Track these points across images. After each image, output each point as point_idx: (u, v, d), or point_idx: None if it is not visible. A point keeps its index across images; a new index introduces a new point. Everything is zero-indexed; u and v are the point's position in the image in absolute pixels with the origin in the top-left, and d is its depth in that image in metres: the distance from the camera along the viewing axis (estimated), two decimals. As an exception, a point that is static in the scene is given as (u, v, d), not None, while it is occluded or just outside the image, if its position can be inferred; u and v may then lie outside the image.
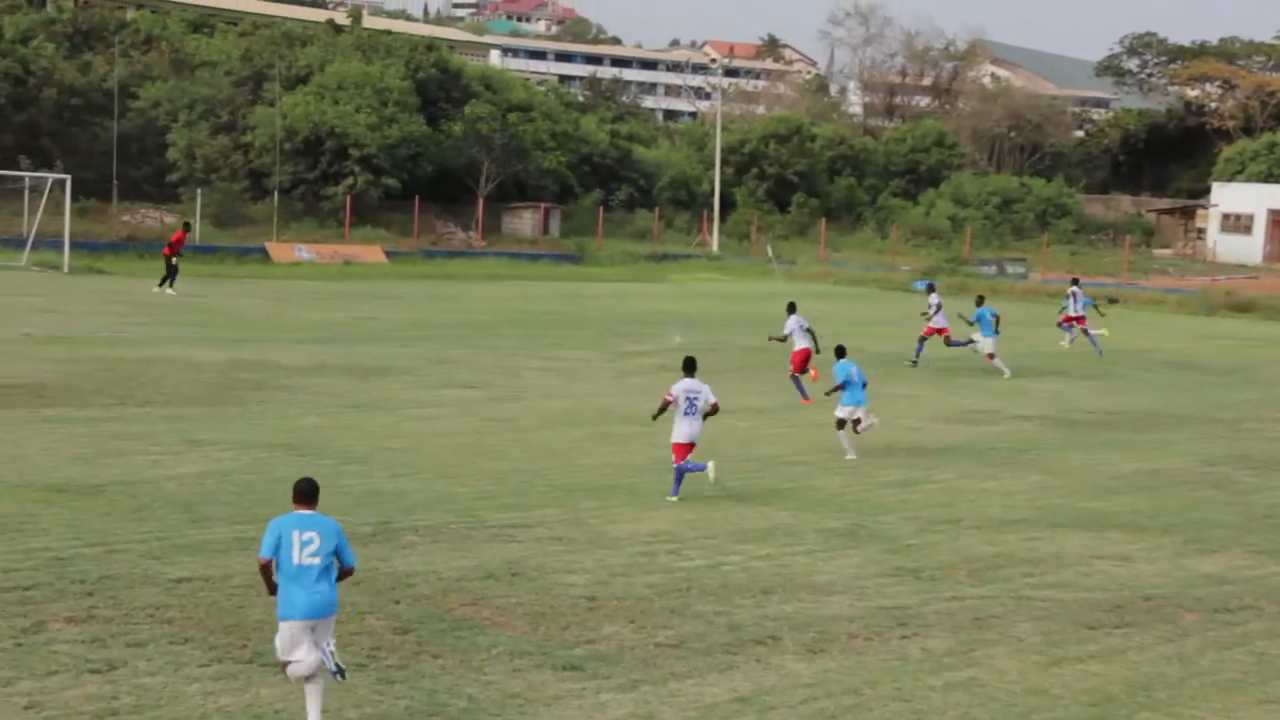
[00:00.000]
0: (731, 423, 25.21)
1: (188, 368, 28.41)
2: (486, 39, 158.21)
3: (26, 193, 57.74)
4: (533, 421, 24.44)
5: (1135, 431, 26.72)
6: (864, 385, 22.86)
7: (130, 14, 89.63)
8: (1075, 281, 42.80)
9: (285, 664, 10.24)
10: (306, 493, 10.63)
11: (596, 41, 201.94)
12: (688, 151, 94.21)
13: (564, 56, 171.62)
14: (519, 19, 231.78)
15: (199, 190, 65.45)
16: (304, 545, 10.25)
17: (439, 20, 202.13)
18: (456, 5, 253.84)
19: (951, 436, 25.16)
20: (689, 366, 19.40)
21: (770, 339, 31.63)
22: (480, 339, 36.75)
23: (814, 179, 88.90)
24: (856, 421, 22.68)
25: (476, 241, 73.54)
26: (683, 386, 18.99)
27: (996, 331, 35.04)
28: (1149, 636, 13.64)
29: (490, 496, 18.24)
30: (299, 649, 10.15)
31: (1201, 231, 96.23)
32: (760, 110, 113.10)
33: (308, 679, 10.23)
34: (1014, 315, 53.36)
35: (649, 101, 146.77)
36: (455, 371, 30.35)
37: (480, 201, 75.11)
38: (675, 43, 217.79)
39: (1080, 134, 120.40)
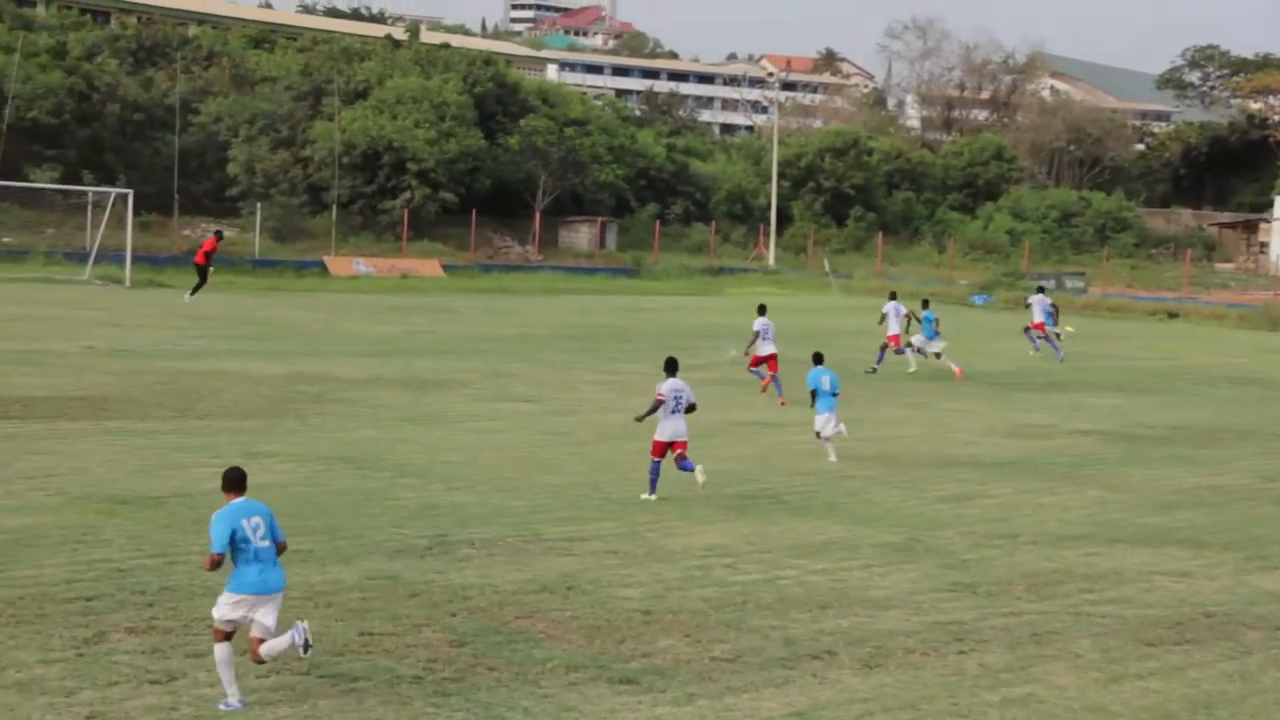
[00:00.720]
0: (788, 437, 25.16)
1: (247, 381, 28.63)
2: (544, 53, 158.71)
3: (90, 207, 58.37)
4: (589, 435, 24.46)
5: (1196, 446, 26.48)
6: (834, 395, 23.01)
7: (192, 30, 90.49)
8: (1040, 289, 44.28)
9: (222, 629, 10.92)
10: (238, 480, 11.43)
11: (654, 55, 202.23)
12: (744, 165, 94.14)
13: (621, 71, 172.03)
14: (576, 33, 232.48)
15: (258, 204, 65.96)
16: (255, 530, 11.07)
17: (496, 35, 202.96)
18: (514, 20, 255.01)
19: (1008, 451, 25.01)
20: (671, 366, 19.91)
21: (745, 352, 32.19)
22: (536, 353, 36.84)
23: (871, 193, 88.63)
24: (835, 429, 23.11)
25: (533, 255, 73.74)
26: (670, 386, 19.45)
27: (936, 334, 36.07)
28: (1210, 654, 13.50)
29: (546, 510, 18.26)
30: (236, 614, 10.92)
31: (1264, 245, 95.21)
32: (817, 124, 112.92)
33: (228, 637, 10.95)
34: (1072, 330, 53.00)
35: (706, 115, 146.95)
36: (511, 385, 30.43)
37: (537, 215, 75.32)
38: (732, 56, 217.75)
39: (1141, 147, 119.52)
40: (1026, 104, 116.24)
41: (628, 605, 14.00)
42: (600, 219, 77.85)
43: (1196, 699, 12.23)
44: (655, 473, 19.37)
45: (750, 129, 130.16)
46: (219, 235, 50.38)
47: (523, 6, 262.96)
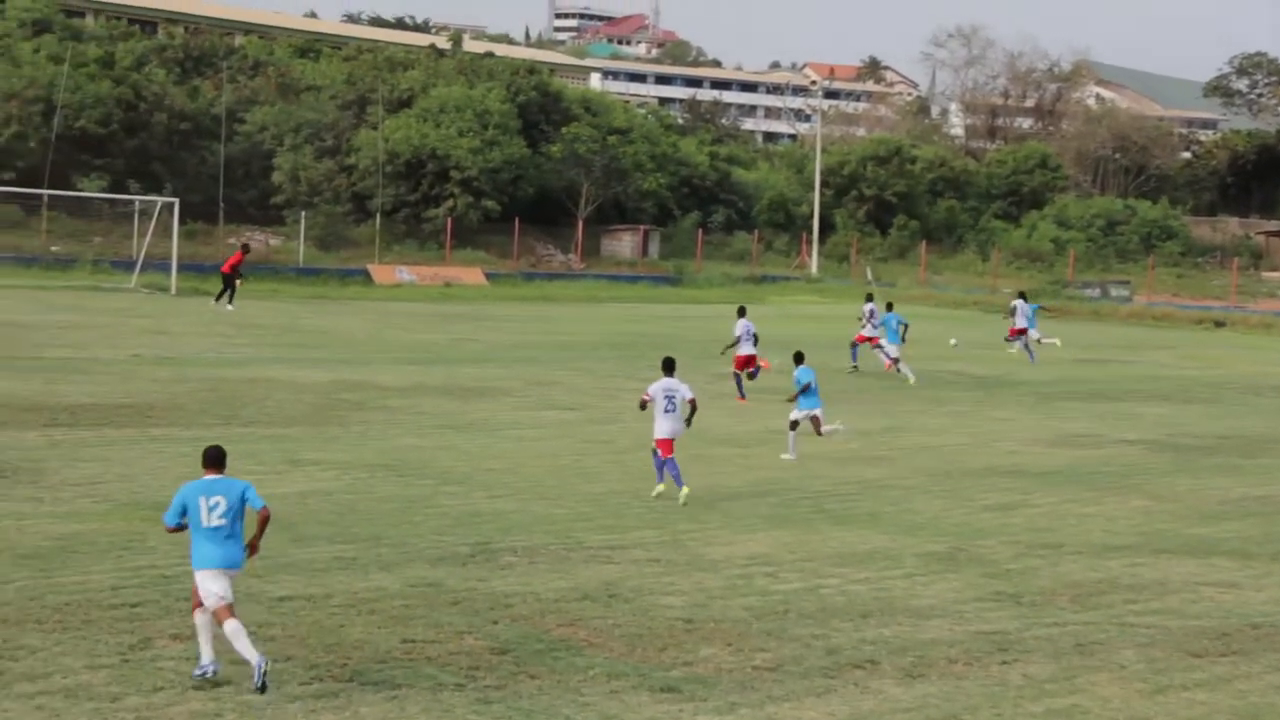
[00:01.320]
0: (832, 446, 25.10)
1: (290, 388, 28.77)
2: (587, 62, 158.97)
3: (136, 216, 58.80)
4: (630, 443, 24.45)
5: (1244, 456, 26.27)
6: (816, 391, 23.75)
7: (238, 39, 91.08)
8: (1022, 295, 44.56)
9: (219, 610, 11.35)
10: (215, 458, 11.84)
11: (696, 64, 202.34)
12: (787, 174, 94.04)
13: (664, 79, 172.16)
14: (619, 42, 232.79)
15: (303, 213, 66.31)
16: (211, 509, 11.45)
17: (540, 43, 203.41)
18: (558, 29, 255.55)
19: (1053, 460, 24.87)
20: (668, 366, 20.31)
21: (723, 352, 32.80)
22: (579, 361, 36.89)
23: (914, 201, 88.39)
24: (816, 422, 23.64)
25: (575, 264, 73.86)
26: (660, 386, 19.84)
27: (902, 340, 35.99)
28: (1257, 665, 13.38)
29: (588, 518, 18.28)
30: (215, 591, 11.35)
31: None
32: (860, 132, 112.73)
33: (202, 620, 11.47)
34: (1117, 339, 52.79)
35: (749, 124, 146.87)
36: (554, 393, 30.48)
37: (579, 224, 75.46)
38: (775, 65, 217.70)
39: (1187, 155, 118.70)
40: (1071, 112, 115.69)
41: (669, 614, 13.99)
42: (643, 227, 77.91)
43: (1243, 711, 12.13)
44: (659, 465, 19.72)
45: (793, 137, 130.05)
46: (245, 248, 51.18)
47: (566, 15, 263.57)
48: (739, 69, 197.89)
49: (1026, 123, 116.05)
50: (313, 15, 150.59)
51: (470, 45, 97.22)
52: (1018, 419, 30.02)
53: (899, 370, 35.29)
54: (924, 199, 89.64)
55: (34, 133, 65.23)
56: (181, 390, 27.69)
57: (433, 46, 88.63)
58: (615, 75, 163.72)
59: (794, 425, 23.63)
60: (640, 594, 14.64)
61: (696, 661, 12.57)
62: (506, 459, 22.30)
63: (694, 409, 19.86)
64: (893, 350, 35.77)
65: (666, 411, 19.64)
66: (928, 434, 27.24)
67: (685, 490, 19.35)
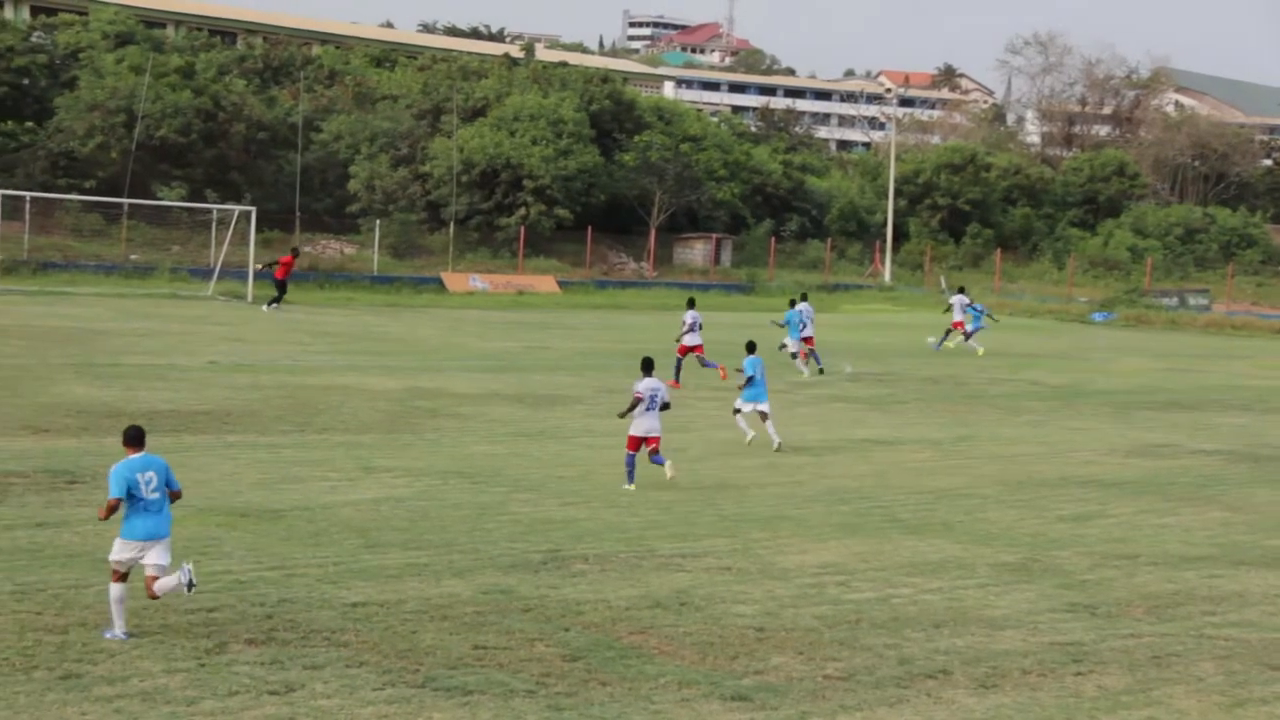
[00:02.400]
0: (906, 455, 24.99)
1: (365, 395, 28.97)
2: (660, 71, 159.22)
3: (214, 224, 59.45)
4: (701, 451, 24.46)
5: (1324, 468, 25.88)
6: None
7: (315, 49, 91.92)
8: (961, 290, 48.04)
9: (117, 570, 12.60)
10: (136, 437, 12.90)
11: (770, 72, 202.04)
12: (861, 182, 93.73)
13: (738, 87, 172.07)
14: (694, 50, 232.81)
15: (377, 221, 66.78)
16: (148, 484, 12.65)
17: (614, 52, 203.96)
18: (632, 38, 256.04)
19: (1129, 470, 24.62)
20: (648, 366, 21.20)
21: (677, 339, 34.80)
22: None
23: (989, 209, 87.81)
24: (764, 417, 24.84)
25: (648, 272, 73.92)
26: (646, 385, 20.80)
27: (796, 337, 37.19)
28: (1337, 680, 13.17)
29: (659, 526, 18.28)
30: (126, 557, 12.59)
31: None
32: (935, 140, 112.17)
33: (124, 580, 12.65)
34: (1195, 348, 52.19)
35: (822, 132, 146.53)
36: (625, 401, 30.47)
37: (652, 232, 75.50)
38: (850, 73, 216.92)
39: (1269, 163, 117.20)
40: (1150, 119, 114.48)
41: (740, 622, 13.97)
42: (715, 236, 77.86)
43: (1323, 725, 11.95)
44: (631, 465, 20.73)
45: (867, 145, 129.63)
46: (295, 253, 52.29)
47: (640, 24, 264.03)
48: (813, 77, 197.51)
49: (1104, 130, 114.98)
50: (388, 25, 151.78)
51: (544, 54, 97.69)
52: (1094, 429, 29.74)
53: (797, 364, 36.85)
54: (998, 207, 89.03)
55: (116, 143, 66.10)
56: (257, 397, 27.96)
57: (507, 55, 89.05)
58: (689, 84, 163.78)
59: (736, 412, 25.15)
60: (711, 602, 14.63)
61: (768, 670, 12.54)
62: (578, 466, 22.34)
63: (666, 408, 21.12)
64: (793, 345, 37.11)
65: (649, 410, 20.73)
66: (1002, 443, 27.05)
67: (670, 466, 20.72)
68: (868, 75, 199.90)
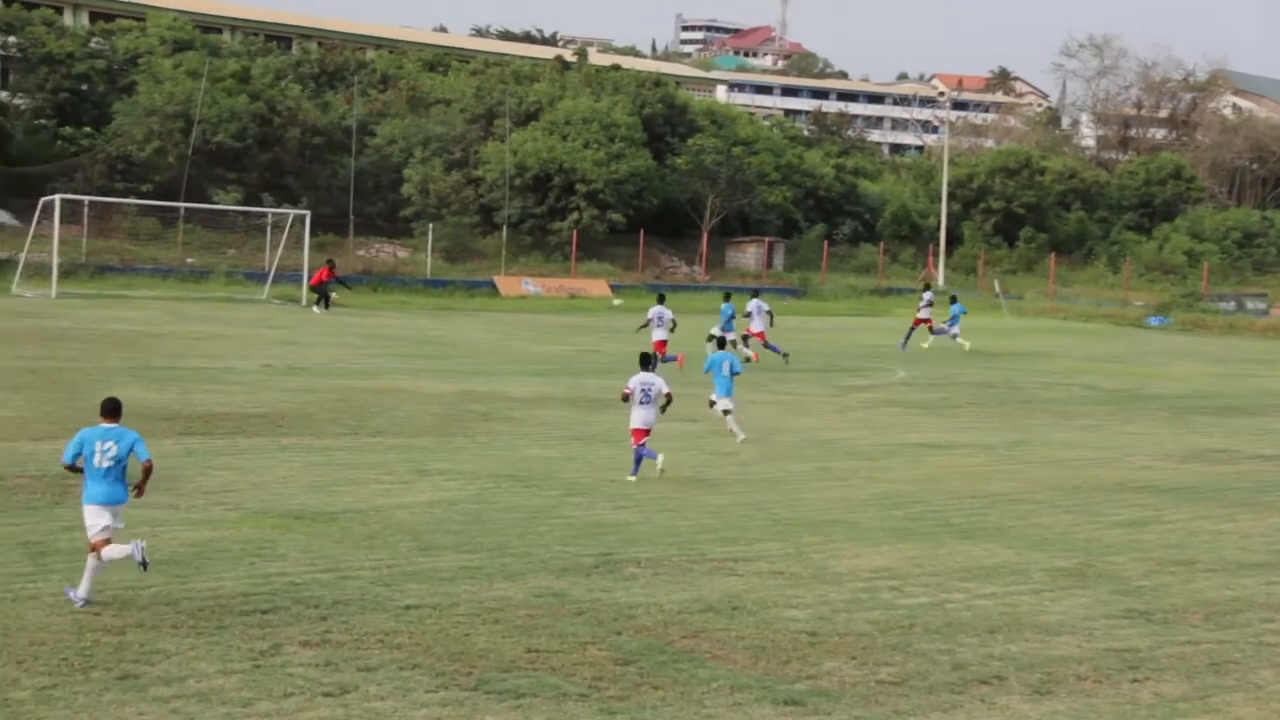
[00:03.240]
0: (959, 459, 24.88)
1: (418, 399, 29.09)
2: (713, 74, 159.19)
3: (269, 228, 59.88)
4: (754, 455, 24.43)
5: (1384, 474, 25.57)
6: (734, 375, 25.63)
7: (369, 54, 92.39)
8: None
9: (96, 542, 13.35)
10: (112, 409, 13.67)
11: (823, 76, 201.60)
12: (913, 185, 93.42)
13: (790, 91, 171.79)
14: (746, 54, 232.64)
15: (430, 225, 67.07)
16: (104, 452, 13.36)
17: (666, 56, 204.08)
18: (684, 41, 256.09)
19: (1186, 476, 24.40)
20: (644, 361, 22.06)
21: (637, 330, 37.19)
22: (702, 373, 36.83)
23: (1043, 213, 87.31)
24: (727, 414, 25.58)
25: (700, 275, 73.90)
26: (637, 380, 21.60)
27: (730, 329, 38.96)
28: (1398, 688, 13.01)
29: (711, 530, 18.26)
30: (101, 521, 13.37)
31: None
32: (989, 143, 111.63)
33: (100, 553, 13.37)
34: (1253, 352, 51.71)
35: (875, 135, 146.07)
36: (677, 405, 30.44)
37: (704, 235, 75.49)
38: (903, 76, 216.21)
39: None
40: (1207, 122, 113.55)
41: (793, 626, 13.93)
42: (768, 239, 77.77)
43: (1384, 735, 11.81)
44: (638, 456, 21.47)
45: (920, 149, 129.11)
46: (331, 264, 52.67)
47: (693, 28, 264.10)
48: (866, 80, 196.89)
49: (1160, 133, 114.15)
50: (442, 29, 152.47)
51: (596, 58, 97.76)
52: (1150, 433, 29.51)
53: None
54: (1053, 211, 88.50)
55: (173, 147, 66.69)
56: (311, 400, 28.12)
57: (559, 59, 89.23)
58: (741, 87, 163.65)
59: (711, 404, 26.07)
60: (764, 606, 14.60)
61: (820, 675, 12.51)
62: (630, 470, 22.34)
63: (669, 400, 21.68)
64: (731, 334, 38.82)
65: (642, 403, 21.48)
66: (1056, 448, 26.88)
67: (661, 458, 21.39)
68: (921, 78, 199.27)
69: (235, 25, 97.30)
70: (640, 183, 72.91)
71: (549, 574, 15.47)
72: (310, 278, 51.55)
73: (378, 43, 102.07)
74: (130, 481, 13.71)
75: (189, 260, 61.61)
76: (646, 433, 21.54)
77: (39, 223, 53.54)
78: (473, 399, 29.49)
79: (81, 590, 13.34)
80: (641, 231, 71.52)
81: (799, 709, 11.60)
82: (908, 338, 46.01)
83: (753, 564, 16.43)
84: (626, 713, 11.34)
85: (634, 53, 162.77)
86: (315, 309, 50.27)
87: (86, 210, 59.83)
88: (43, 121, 72.32)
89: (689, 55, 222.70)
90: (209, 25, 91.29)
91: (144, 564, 13.40)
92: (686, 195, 76.36)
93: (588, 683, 11.97)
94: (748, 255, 77.92)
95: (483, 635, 13.08)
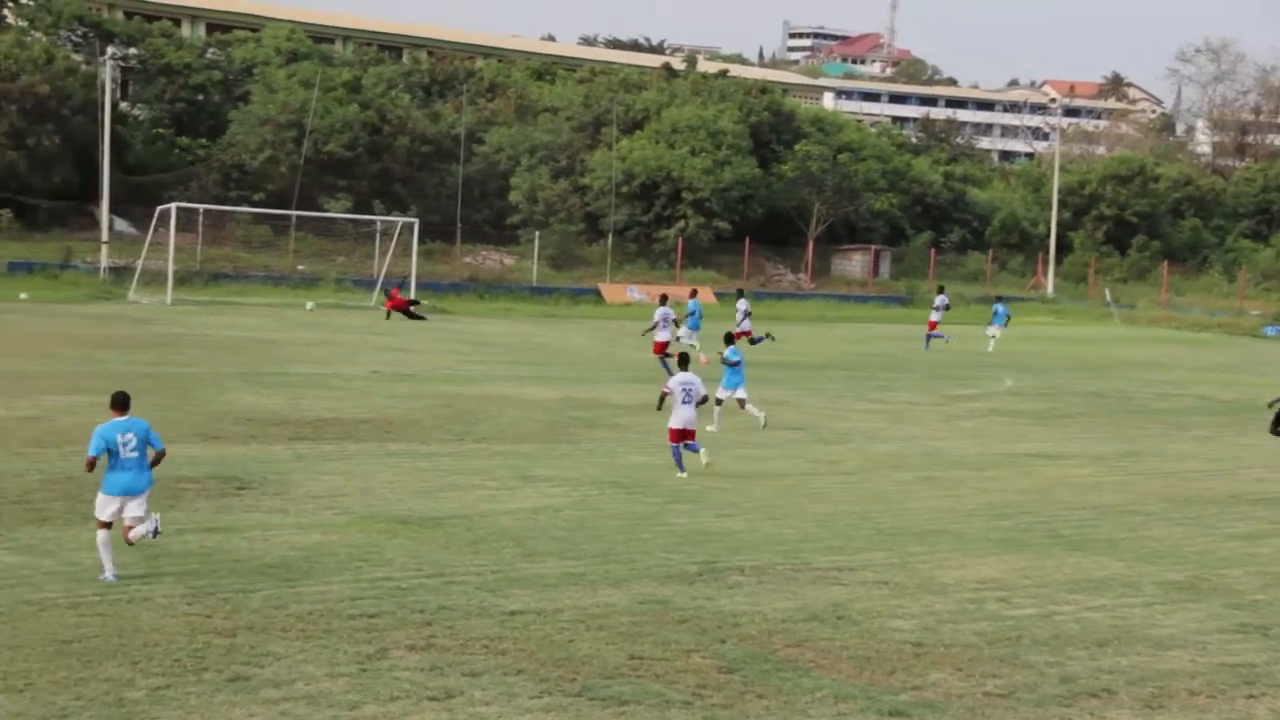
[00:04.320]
0: (1069, 470, 24.58)
1: (522, 405, 29.24)
2: (820, 81, 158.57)
3: (378, 236, 60.52)
4: (859, 464, 24.29)
5: None
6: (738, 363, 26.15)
7: (478, 63, 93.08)
8: (941, 290, 52.63)
9: (102, 521, 14.34)
10: (122, 403, 14.52)
11: (931, 82, 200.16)
12: (1023, 193, 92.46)
13: (898, 98, 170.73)
14: (854, 61, 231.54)
15: (537, 233, 67.42)
16: (125, 444, 14.25)
17: (774, 63, 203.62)
18: (791, 48, 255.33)
19: (1303, 489, 23.89)
20: (684, 362, 22.75)
21: (644, 333, 37.73)
22: (807, 381, 36.76)
23: (1156, 220, 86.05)
24: (741, 402, 26.22)
25: (805, 283, 73.65)
26: (678, 380, 22.14)
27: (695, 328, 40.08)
28: None
29: (816, 539, 18.17)
30: (108, 510, 14.30)
31: None
32: (1101, 151, 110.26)
33: (109, 527, 14.37)
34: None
35: (984, 142, 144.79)
36: (782, 413, 30.39)
37: (810, 243, 75.22)
38: (1014, 83, 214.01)
39: None
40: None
41: (898, 637, 13.83)
42: (874, 247, 77.35)
43: None
44: (677, 455, 21.97)
45: (1030, 156, 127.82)
46: (401, 286, 53.00)
47: (801, 35, 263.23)
48: (975, 87, 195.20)
49: (1278, 139, 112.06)
50: (550, 38, 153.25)
51: (704, 66, 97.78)
52: (1265, 445, 28.90)
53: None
54: (1166, 219, 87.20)
55: (285, 156, 67.62)
56: (418, 406, 28.36)
57: (667, 66, 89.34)
58: (849, 95, 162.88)
59: (718, 401, 26.26)
60: (868, 616, 14.50)
61: (925, 686, 12.40)
62: (734, 478, 22.31)
63: (704, 400, 22.29)
64: (691, 338, 39.19)
65: (684, 403, 21.90)
66: (1168, 459, 26.46)
67: (704, 451, 21.98)
68: (1032, 85, 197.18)
69: (348, 35, 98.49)
70: (746, 190, 72.81)
71: (653, 581, 15.48)
72: (388, 301, 51.20)
73: (486, 52, 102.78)
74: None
75: (299, 267, 62.42)
76: (687, 432, 21.97)
77: (155, 231, 54.55)
78: (576, 406, 29.59)
79: (108, 571, 14.30)
80: (747, 239, 71.40)
81: (904, 720, 11.50)
82: (928, 341, 47.74)
83: (857, 573, 16.33)
84: (730, 721, 11.31)
85: (741, 60, 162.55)
86: (420, 318, 50.41)
87: (201, 218, 60.88)
88: (160, 131, 73.70)
89: (796, 63, 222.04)
90: (322, 35, 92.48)
91: (155, 531, 14.46)
92: (792, 202, 76.14)
93: (691, 690, 11.95)
94: (853, 263, 77.53)
95: (586, 642, 13.11)
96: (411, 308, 50.21)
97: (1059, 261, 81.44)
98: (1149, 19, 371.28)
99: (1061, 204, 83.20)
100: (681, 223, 70.31)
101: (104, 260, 57.52)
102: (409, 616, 13.65)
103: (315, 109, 67.69)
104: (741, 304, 43.96)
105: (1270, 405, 24.57)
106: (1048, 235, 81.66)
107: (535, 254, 66.30)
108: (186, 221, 58.34)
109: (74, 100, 65.35)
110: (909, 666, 12.90)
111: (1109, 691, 12.46)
